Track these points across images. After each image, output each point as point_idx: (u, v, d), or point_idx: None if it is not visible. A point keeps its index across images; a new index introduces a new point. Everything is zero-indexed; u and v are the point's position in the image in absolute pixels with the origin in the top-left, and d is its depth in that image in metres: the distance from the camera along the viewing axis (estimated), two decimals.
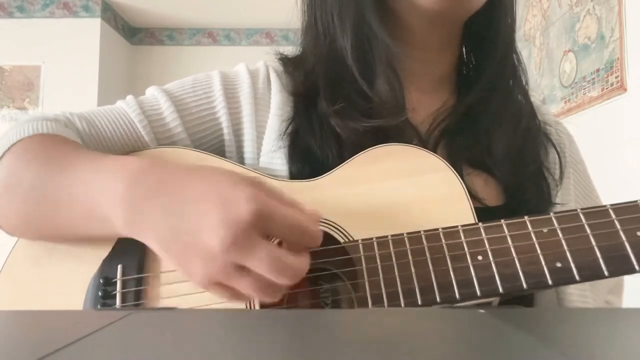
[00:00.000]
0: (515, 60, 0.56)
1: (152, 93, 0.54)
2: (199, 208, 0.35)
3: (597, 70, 1.91)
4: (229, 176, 0.37)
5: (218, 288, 0.36)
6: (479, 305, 0.39)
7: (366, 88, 0.51)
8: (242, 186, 0.35)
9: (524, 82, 0.57)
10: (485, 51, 0.56)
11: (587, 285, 0.50)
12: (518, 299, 0.47)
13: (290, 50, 0.60)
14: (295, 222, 0.35)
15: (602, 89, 1.87)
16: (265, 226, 0.35)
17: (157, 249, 0.37)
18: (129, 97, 0.54)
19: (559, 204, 0.53)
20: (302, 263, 0.35)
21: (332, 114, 0.50)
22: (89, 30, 3.53)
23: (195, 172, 0.39)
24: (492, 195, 0.51)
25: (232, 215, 0.34)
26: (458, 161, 0.51)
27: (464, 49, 0.59)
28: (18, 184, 0.44)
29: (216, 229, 0.34)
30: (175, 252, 0.36)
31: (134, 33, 4.07)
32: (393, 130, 0.50)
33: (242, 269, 0.34)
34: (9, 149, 0.46)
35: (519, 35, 2.60)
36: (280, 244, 0.37)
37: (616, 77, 1.79)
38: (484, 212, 0.45)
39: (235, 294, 0.36)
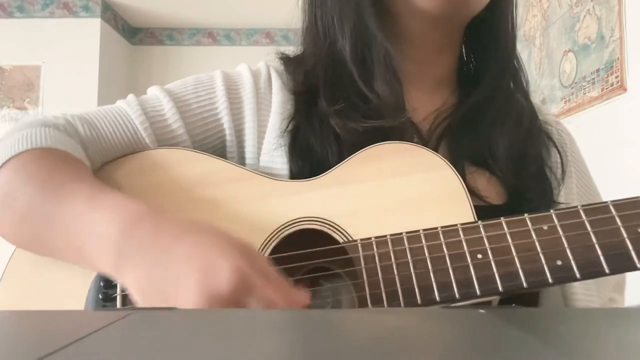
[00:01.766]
0: (516, 64, 0.56)
1: (154, 93, 0.54)
2: (182, 269, 0.35)
3: (597, 70, 1.91)
4: (222, 241, 0.37)
5: None
6: (479, 305, 0.39)
7: (365, 89, 0.51)
8: (231, 256, 0.35)
9: (524, 84, 0.57)
10: (487, 55, 0.56)
11: (591, 282, 0.50)
12: (523, 297, 0.47)
13: (291, 50, 0.60)
14: (273, 305, 0.35)
15: (602, 89, 1.87)
16: (242, 302, 0.35)
17: (133, 294, 0.37)
18: (131, 97, 0.54)
19: (562, 203, 0.53)
20: None
21: (331, 114, 0.50)
22: (89, 30, 3.53)
23: (189, 230, 0.38)
24: (494, 194, 0.51)
25: (210, 284, 0.34)
26: (460, 160, 0.51)
27: (463, 49, 0.59)
28: (13, 202, 0.44)
29: (191, 295, 0.34)
30: (148, 303, 0.36)
31: (134, 33, 4.07)
32: (393, 130, 0.50)
33: None
34: (5, 162, 0.45)
35: (519, 35, 2.60)
36: None
37: (616, 77, 1.79)
38: (486, 211, 0.45)
39: None
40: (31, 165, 0.45)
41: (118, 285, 0.45)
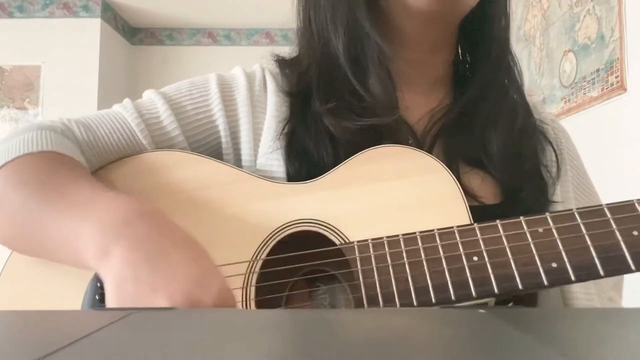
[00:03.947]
0: (511, 61, 0.56)
1: (149, 96, 0.54)
2: (169, 271, 0.35)
3: (597, 70, 1.91)
4: (212, 265, 0.37)
5: None
6: (478, 306, 0.39)
7: (359, 88, 0.52)
8: (221, 277, 0.36)
9: (519, 83, 0.57)
10: (480, 52, 0.56)
11: (591, 282, 0.50)
12: (521, 297, 0.47)
13: (288, 51, 0.60)
14: None
15: (602, 89, 1.87)
16: None
17: (110, 285, 0.36)
18: (126, 101, 0.54)
19: (558, 201, 0.53)
20: None
21: (325, 113, 0.51)
22: (89, 30, 3.53)
23: (186, 239, 0.38)
24: (489, 194, 0.51)
25: (198, 293, 0.34)
26: (454, 160, 0.51)
27: (459, 49, 0.59)
28: (6, 205, 0.44)
29: (173, 296, 0.33)
30: (126, 297, 0.35)
31: (134, 33, 4.06)
32: (387, 129, 0.50)
33: None
34: (3, 165, 0.45)
35: (519, 35, 2.60)
36: None
37: (616, 77, 1.79)
38: (481, 211, 0.45)
39: None
40: (25, 171, 0.45)
41: None
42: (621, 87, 1.76)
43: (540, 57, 2.41)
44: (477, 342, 0.18)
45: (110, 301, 0.35)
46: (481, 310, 0.22)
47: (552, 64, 2.28)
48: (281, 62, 0.59)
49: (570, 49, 2.12)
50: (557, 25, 2.25)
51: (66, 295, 0.45)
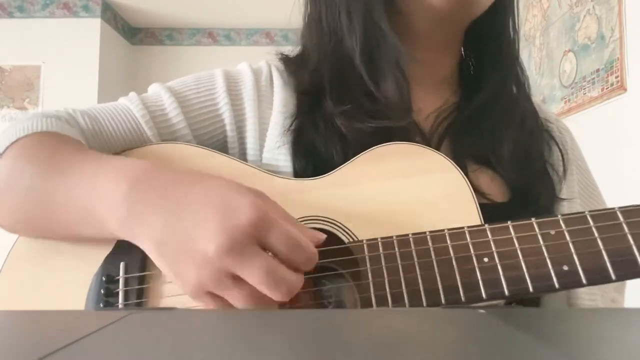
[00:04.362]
0: (519, 70, 0.57)
1: (155, 90, 0.54)
2: (198, 213, 0.35)
3: (597, 70, 1.91)
4: (234, 184, 0.37)
5: (208, 297, 0.35)
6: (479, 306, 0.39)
7: (373, 89, 0.51)
8: (246, 194, 0.35)
9: (526, 88, 0.57)
10: (489, 59, 0.56)
11: None
12: (525, 298, 0.47)
13: (290, 49, 0.59)
14: (294, 239, 0.35)
15: (602, 89, 1.87)
16: (264, 237, 0.34)
17: (150, 250, 0.37)
18: (132, 94, 0.54)
19: (564, 199, 0.53)
20: (297, 279, 0.35)
21: (338, 115, 0.50)
22: (89, 30, 3.53)
23: (199, 178, 0.38)
24: (498, 192, 0.51)
25: (231, 223, 0.33)
26: (463, 157, 0.51)
27: (462, 50, 0.59)
28: (17, 183, 0.44)
29: (214, 235, 0.33)
30: (169, 255, 0.35)
31: (134, 33, 4.06)
32: (397, 130, 0.50)
33: (235, 279, 0.34)
34: (8, 147, 0.45)
35: (519, 35, 2.60)
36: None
37: (616, 77, 1.79)
38: (490, 209, 0.45)
39: (225, 306, 0.35)
40: (33, 147, 0.45)
41: (120, 280, 0.45)
42: (621, 87, 1.76)
43: (540, 57, 2.41)
44: (477, 342, 0.18)
45: (161, 265, 0.36)
46: (481, 311, 0.22)
47: (552, 64, 2.28)
48: (286, 59, 0.58)
49: (570, 49, 2.12)
50: (557, 25, 2.25)
51: (69, 290, 0.45)
